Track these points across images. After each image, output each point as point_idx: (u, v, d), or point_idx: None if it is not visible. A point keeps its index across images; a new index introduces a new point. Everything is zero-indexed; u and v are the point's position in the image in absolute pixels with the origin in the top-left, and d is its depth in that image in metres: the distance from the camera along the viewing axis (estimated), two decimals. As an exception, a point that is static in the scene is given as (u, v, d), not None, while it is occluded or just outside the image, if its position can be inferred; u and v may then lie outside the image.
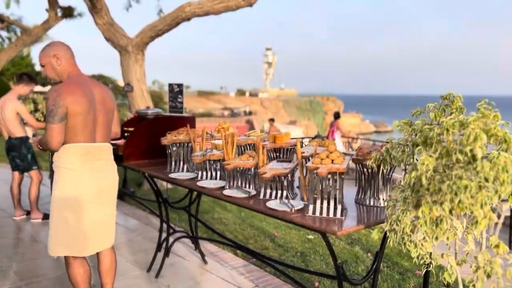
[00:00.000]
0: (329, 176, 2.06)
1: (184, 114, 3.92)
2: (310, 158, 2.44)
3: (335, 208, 2.07)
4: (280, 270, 2.89)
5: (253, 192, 2.45)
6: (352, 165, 2.38)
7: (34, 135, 5.16)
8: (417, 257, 1.56)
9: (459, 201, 1.35)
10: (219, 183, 2.71)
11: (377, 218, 2.09)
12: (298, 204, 2.19)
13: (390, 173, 2.31)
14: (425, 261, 1.59)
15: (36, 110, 5.22)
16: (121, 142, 3.54)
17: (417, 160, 1.51)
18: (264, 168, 2.38)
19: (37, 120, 5.01)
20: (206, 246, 4.21)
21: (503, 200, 1.44)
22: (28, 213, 5.11)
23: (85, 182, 2.47)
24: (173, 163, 3.17)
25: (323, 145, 2.62)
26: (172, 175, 2.95)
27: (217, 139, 3.19)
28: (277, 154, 2.80)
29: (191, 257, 3.94)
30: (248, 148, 2.96)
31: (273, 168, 2.38)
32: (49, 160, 5.51)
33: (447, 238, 1.51)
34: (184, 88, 3.97)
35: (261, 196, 2.40)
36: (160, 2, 8.96)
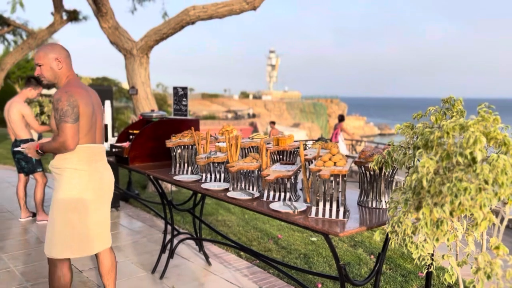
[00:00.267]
0: (332, 178, 2.08)
1: (189, 117, 3.95)
2: (313, 160, 2.47)
3: (338, 210, 2.09)
4: (284, 272, 2.92)
5: (257, 194, 2.48)
6: (355, 167, 2.40)
7: (40, 137, 5.18)
8: (419, 258, 1.58)
9: (459, 203, 1.37)
10: (223, 185, 2.74)
11: (379, 220, 2.11)
12: (301, 206, 2.21)
13: (392, 176, 2.33)
14: (426, 262, 1.61)
15: (42, 113, 5.27)
16: (126, 144, 3.57)
17: (418, 160, 1.54)
18: (268, 170, 2.40)
19: (43, 123, 5.05)
20: (210, 247, 4.24)
21: (505, 203, 1.46)
22: (34, 214, 5.18)
23: (91, 182, 2.52)
24: (177, 165, 3.20)
25: (326, 148, 2.64)
26: (177, 178, 2.98)
27: (221, 142, 3.22)
28: (281, 156, 2.83)
29: (195, 258, 3.97)
30: (252, 150, 2.99)
31: (276, 170, 2.40)
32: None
33: (448, 240, 1.53)
34: (188, 90, 4.00)
35: (265, 198, 2.43)
36: (165, 6, 9.02)
